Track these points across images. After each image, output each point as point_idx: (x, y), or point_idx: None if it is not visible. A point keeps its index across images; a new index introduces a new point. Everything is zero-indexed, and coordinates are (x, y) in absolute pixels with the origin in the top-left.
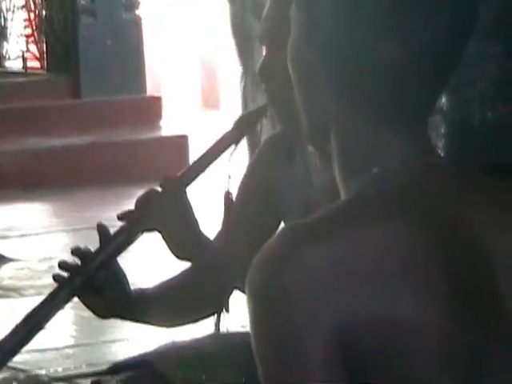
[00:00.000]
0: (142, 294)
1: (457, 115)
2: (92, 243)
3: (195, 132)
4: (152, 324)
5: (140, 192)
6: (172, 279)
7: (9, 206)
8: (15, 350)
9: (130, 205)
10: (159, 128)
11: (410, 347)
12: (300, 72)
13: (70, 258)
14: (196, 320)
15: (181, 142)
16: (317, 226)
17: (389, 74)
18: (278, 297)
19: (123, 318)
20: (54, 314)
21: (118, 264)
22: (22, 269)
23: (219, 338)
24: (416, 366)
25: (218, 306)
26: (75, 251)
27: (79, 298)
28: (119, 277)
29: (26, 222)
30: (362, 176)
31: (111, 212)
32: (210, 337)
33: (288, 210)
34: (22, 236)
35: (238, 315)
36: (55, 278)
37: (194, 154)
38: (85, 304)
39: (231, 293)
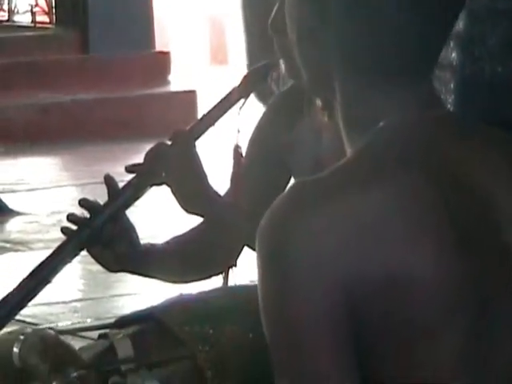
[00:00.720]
0: (152, 248)
1: (467, 71)
2: (100, 198)
3: (204, 87)
4: (160, 279)
5: (148, 147)
6: (182, 235)
7: (17, 160)
8: (22, 304)
9: (138, 160)
10: (168, 83)
11: (417, 302)
12: (300, 30)
13: (78, 212)
14: (205, 276)
15: (189, 98)
16: (324, 185)
17: (390, 26)
18: (285, 255)
19: (132, 272)
20: (61, 268)
21: (126, 217)
22: (30, 222)
23: (227, 292)
24: (424, 321)
25: (228, 262)
26: (83, 203)
27: (88, 251)
28: (128, 230)
29: (34, 176)
30: (366, 131)
31: (119, 167)
32: (217, 290)
33: (298, 167)
34: (30, 190)
35: (246, 270)
36: (63, 230)
37: (202, 110)
38: (93, 257)
39: (241, 249)
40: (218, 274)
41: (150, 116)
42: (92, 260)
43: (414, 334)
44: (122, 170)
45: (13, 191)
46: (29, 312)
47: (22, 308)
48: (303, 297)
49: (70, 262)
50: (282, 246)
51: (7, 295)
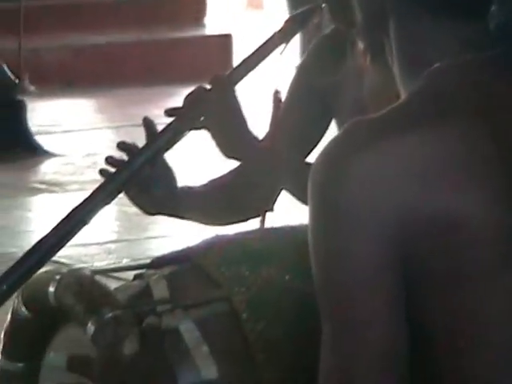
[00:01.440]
0: (189, 191)
1: None
2: (136, 141)
3: (239, 32)
4: (197, 222)
5: (183, 91)
6: (220, 178)
7: (52, 102)
8: (60, 245)
9: (172, 103)
10: (203, 26)
11: (469, 242)
12: None
13: (114, 154)
14: (242, 220)
15: (224, 42)
16: (379, 125)
17: None
18: (340, 192)
19: (168, 214)
20: (99, 210)
21: (165, 160)
22: (66, 164)
23: (264, 234)
24: (474, 261)
25: (265, 206)
26: (122, 146)
27: (125, 193)
28: (166, 173)
29: (69, 117)
30: (421, 73)
31: (155, 110)
32: (254, 232)
33: (339, 109)
34: (66, 132)
35: (283, 215)
36: (101, 172)
37: (237, 54)
38: (130, 200)
39: (278, 193)
40: (253, 218)
41: (185, 59)
42: (128, 202)
43: (462, 276)
44: (158, 112)
45: (48, 133)
46: (64, 253)
47: (59, 249)
48: (356, 234)
49: (108, 203)
50: (337, 184)
51: (44, 236)
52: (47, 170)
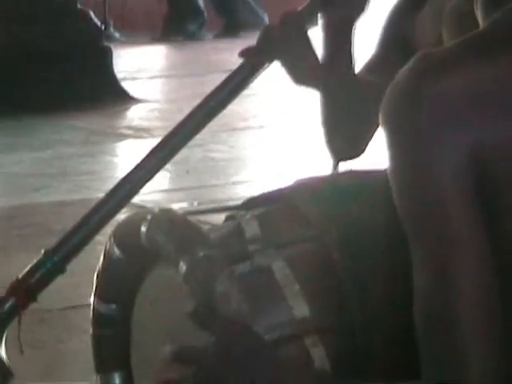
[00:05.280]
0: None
1: None
2: None
3: None
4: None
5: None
6: None
7: (138, 49)
8: (143, 182)
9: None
10: None
11: None
12: None
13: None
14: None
15: None
16: (451, 54)
17: None
18: (414, 123)
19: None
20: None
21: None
22: (152, 110)
23: (355, 175)
24: None
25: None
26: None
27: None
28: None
29: (155, 64)
30: (504, 5)
31: (237, 58)
32: (345, 173)
33: (420, 46)
34: (151, 78)
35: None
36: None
37: None
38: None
39: (367, 129)
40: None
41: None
42: (214, 147)
43: None
44: (240, 61)
45: (133, 79)
46: (149, 198)
47: (142, 186)
48: (432, 162)
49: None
50: (413, 110)
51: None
52: (133, 115)
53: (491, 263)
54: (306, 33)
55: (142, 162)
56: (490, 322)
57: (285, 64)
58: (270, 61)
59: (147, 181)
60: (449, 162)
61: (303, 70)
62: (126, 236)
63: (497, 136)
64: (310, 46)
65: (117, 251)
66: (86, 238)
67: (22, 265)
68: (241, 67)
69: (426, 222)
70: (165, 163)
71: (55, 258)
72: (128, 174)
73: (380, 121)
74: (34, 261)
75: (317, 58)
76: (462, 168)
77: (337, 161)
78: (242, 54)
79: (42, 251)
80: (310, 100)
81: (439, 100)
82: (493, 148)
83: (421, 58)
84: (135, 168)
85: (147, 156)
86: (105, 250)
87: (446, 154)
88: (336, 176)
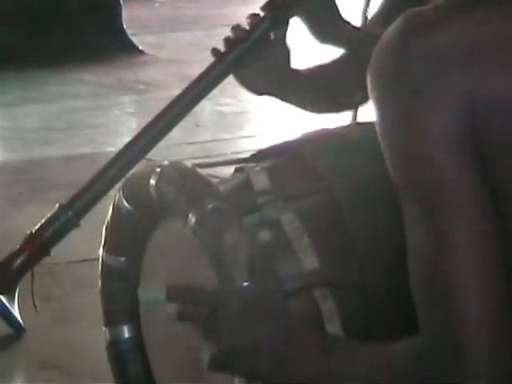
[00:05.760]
0: (298, 72)
1: None
2: None
3: None
4: (298, 106)
5: None
6: (321, 65)
7: (145, 2)
8: (157, 138)
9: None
10: None
11: None
12: None
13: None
14: (337, 109)
15: None
16: (437, 11)
17: None
18: (403, 77)
19: (275, 95)
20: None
21: (285, 38)
22: (160, 63)
23: (364, 128)
24: None
25: (359, 98)
26: (235, 28)
27: (235, 75)
28: (284, 52)
29: (163, 18)
30: None
31: (246, 10)
32: (352, 126)
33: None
34: (159, 32)
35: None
36: (213, 51)
37: None
38: (241, 80)
39: None
40: (349, 109)
41: None
42: (223, 101)
43: None
44: (246, 11)
45: (142, 33)
46: (159, 154)
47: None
48: (425, 114)
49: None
50: (402, 64)
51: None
52: (141, 69)
53: (489, 209)
54: None
55: (156, 117)
56: (491, 272)
57: (306, 19)
58: (289, 15)
59: (162, 137)
60: (439, 113)
61: (325, 27)
62: (135, 189)
63: (485, 86)
64: (330, 2)
65: (126, 204)
66: (100, 193)
67: (32, 217)
68: (262, 20)
69: (418, 171)
70: (180, 119)
71: (69, 213)
72: (142, 130)
73: (368, 79)
74: (48, 215)
75: (340, 14)
76: (453, 118)
77: (355, 110)
78: (264, 8)
79: (57, 205)
80: (320, 54)
81: (427, 53)
82: (482, 98)
83: (408, 16)
84: (149, 124)
85: (161, 112)
86: (114, 203)
87: (436, 105)
88: (345, 128)
